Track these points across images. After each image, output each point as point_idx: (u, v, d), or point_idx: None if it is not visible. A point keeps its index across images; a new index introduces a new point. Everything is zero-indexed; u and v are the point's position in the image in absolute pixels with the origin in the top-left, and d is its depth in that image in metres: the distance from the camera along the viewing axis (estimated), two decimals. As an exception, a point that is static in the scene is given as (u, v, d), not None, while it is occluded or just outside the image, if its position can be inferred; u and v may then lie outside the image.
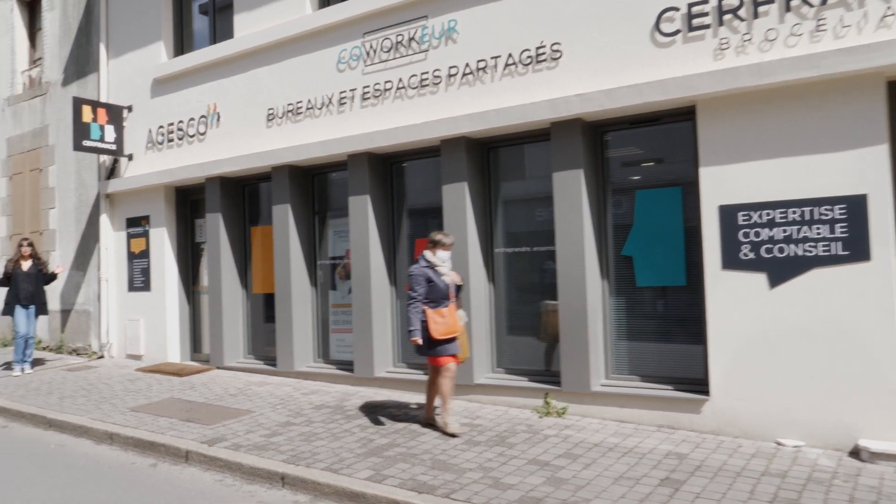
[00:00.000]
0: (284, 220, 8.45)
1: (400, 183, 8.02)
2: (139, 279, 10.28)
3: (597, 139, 6.54)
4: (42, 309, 9.79)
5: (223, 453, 5.56)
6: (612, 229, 6.51)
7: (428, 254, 5.91)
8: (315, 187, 8.72)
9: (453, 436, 5.76)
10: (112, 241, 10.60)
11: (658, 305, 6.37)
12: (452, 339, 5.83)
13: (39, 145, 11.89)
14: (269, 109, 8.59)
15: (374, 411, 6.62)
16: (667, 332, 6.26)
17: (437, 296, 5.81)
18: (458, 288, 6.11)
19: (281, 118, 8.49)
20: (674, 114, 6.06)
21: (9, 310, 9.62)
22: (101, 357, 10.58)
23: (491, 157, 7.26)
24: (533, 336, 7.04)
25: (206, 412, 6.84)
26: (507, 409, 6.56)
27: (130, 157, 10.28)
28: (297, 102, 8.31)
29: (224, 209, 9.20)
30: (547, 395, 6.50)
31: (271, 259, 8.77)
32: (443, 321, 5.76)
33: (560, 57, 6.42)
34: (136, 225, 10.30)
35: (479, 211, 7.14)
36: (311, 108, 8.20)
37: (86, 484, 5.24)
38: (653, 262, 6.27)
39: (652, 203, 6.29)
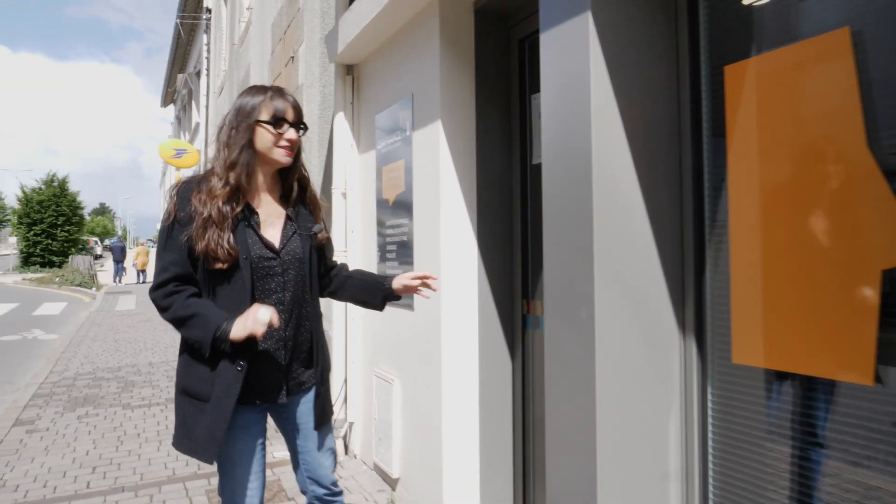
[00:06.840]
0: None
1: None
2: (395, 271, 4.03)
3: None
4: (324, 373, 2.36)
5: None
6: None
7: None
8: None
9: None
10: (358, 177, 4.57)
11: None
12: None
13: (292, 19, 6.57)
14: None
15: None
16: None
17: None
18: None
19: None
20: None
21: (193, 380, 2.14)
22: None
23: None
24: None
25: None
26: None
27: (384, -39, 4.06)
28: None
29: (607, 9, 2.21)
30: None
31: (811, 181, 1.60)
32: None
33: None
34: (392, 131, 4.06)
35: None
36: None
37: None
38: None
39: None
